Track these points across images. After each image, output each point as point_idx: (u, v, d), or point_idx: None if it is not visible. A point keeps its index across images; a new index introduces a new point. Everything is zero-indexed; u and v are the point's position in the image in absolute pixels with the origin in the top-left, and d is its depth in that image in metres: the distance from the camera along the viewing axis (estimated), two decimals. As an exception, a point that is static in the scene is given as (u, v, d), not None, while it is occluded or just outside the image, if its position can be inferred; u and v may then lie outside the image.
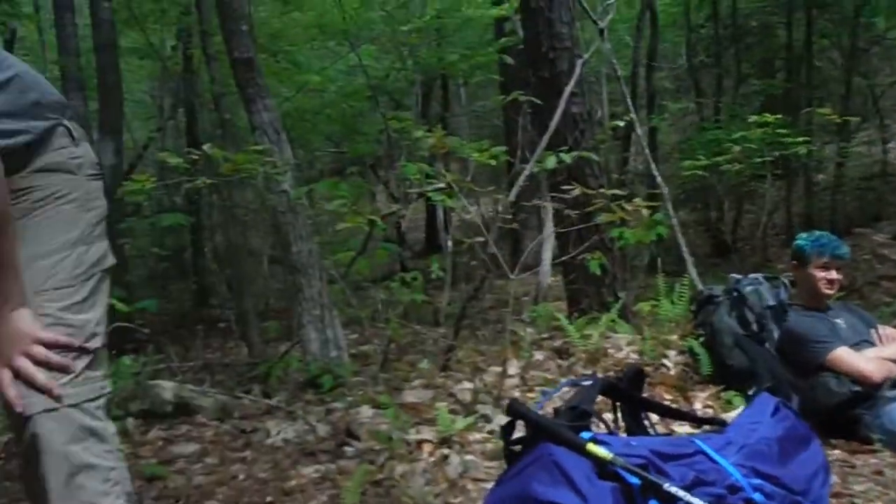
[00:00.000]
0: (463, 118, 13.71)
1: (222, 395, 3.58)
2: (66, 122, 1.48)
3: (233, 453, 2.96)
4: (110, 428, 1.40)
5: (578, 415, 1.75)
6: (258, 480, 2.66)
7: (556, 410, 1.84)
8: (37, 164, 1.42)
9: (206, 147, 3.56)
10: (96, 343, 1.42)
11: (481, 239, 3.56)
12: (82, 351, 1.39)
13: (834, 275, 3.13)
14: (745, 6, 11.13)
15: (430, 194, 3.83)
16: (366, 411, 3.19)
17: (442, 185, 3.98)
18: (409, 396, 3.40)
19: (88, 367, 1.39)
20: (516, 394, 3.41)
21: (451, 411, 3.02)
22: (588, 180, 4.29)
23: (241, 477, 2.70)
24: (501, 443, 1.81)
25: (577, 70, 4.28)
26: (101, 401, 1.40)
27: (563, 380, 2.99)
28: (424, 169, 3.74)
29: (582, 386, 1.98)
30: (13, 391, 1.31)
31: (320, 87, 8.17)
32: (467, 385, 3.54)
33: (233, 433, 3.19)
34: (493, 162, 3.89)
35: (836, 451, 2.69)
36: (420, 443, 2.78)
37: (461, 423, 2.89)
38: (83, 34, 10.31)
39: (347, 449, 2.81)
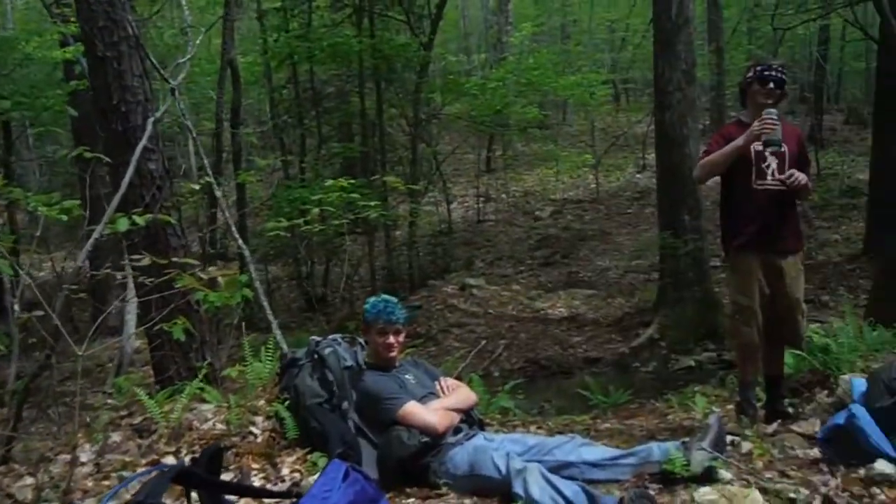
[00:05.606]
0: (32, 164, 12.36)
1: None
2: None
3: None
4: None
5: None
6: None
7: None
8: None
9: None
10: None
11: (40, 313, 3.15)
12: None
13: (391, 339, 3.31)
14: (321, 72, 11.85)
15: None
16: None
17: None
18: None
19: None
20: (89, 484, 3.06)
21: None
22: (169, 240, 4.14)
23: None
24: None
25: (150, 127, 4.09)
26: None
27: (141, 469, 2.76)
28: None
29: (150, 477, 1.84)
30: None
31: None
32: (29, 481, 3.09)
33: None
34: (65, 217, 3.52)
35: (411, 500, 2.88)
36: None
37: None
38: None
39: None
